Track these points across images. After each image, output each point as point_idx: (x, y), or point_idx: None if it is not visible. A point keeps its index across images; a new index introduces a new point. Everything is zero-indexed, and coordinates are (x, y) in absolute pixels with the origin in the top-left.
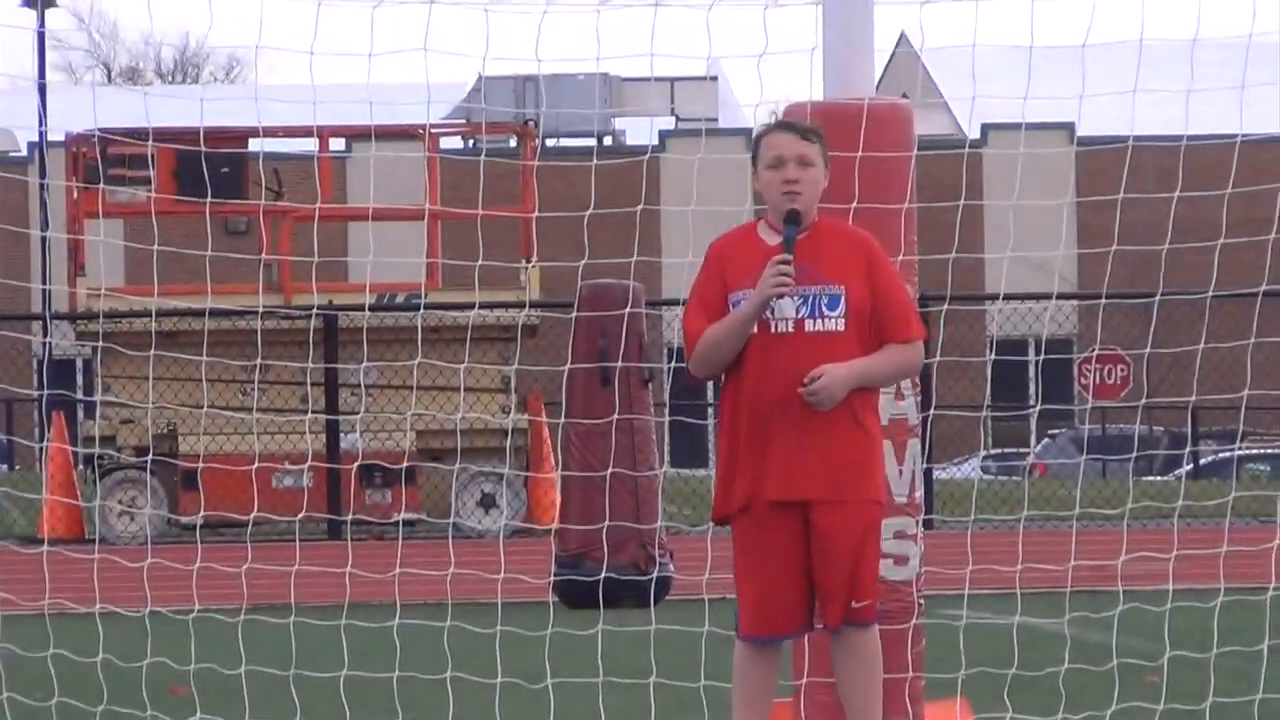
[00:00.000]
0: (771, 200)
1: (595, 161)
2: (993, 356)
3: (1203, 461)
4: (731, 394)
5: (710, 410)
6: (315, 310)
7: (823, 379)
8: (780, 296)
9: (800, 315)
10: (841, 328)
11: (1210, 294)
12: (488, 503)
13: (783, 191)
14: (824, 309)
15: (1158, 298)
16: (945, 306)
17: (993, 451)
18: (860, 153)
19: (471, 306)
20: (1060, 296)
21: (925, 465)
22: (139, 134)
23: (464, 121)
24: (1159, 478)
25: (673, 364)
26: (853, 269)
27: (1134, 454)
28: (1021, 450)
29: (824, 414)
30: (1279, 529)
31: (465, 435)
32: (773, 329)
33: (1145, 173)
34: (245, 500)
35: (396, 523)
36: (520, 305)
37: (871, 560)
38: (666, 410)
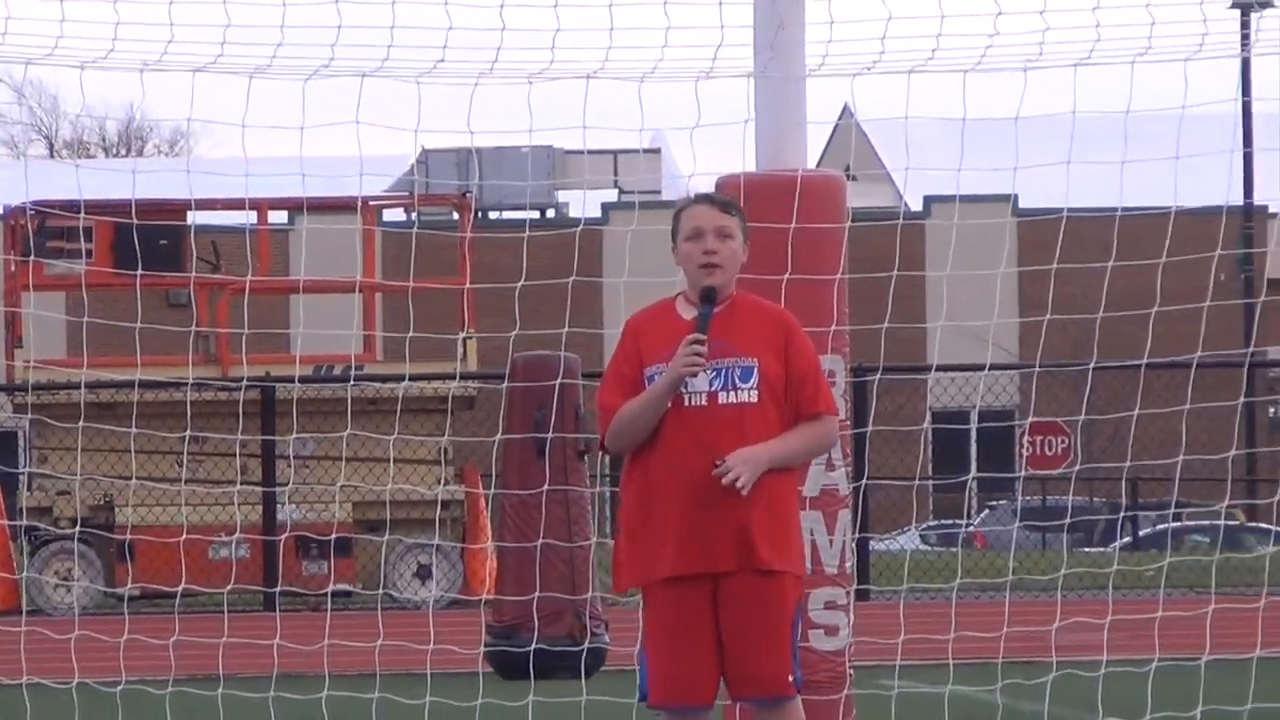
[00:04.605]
0: (690, 273)
1: (528, 233)
2: (929, 425)
3: (1142, 533)
4: (642, 466)
5: None
6: (245, 383)
7: (733, 464)
8: (692, 376)
9: (714, 388)
10: (754, 399)
11: (1145, 362)
12: (424, 574)
13: (701, 264)
14: (737, 381)
15: (1091, 366)
16: (878, 376)
17: (931, 523)
18: (793, 224)
19: (410, 378)
20: (994, 367)
21: (860, 535)
22: (76, 206)
23: (402, 194)
24: (1098, 549)
25: None
26: (767, 342)
27: (1066, 521)
28: (960, 521)
29: (734, 490)
30: (1213, 597)
31: (401, 507)
32: (687, 402)
33: (1087, 244)
34: (181, 571)
35: (329, 593)
36: (451, 377)
37: (791, 632)
38: (600, 481)
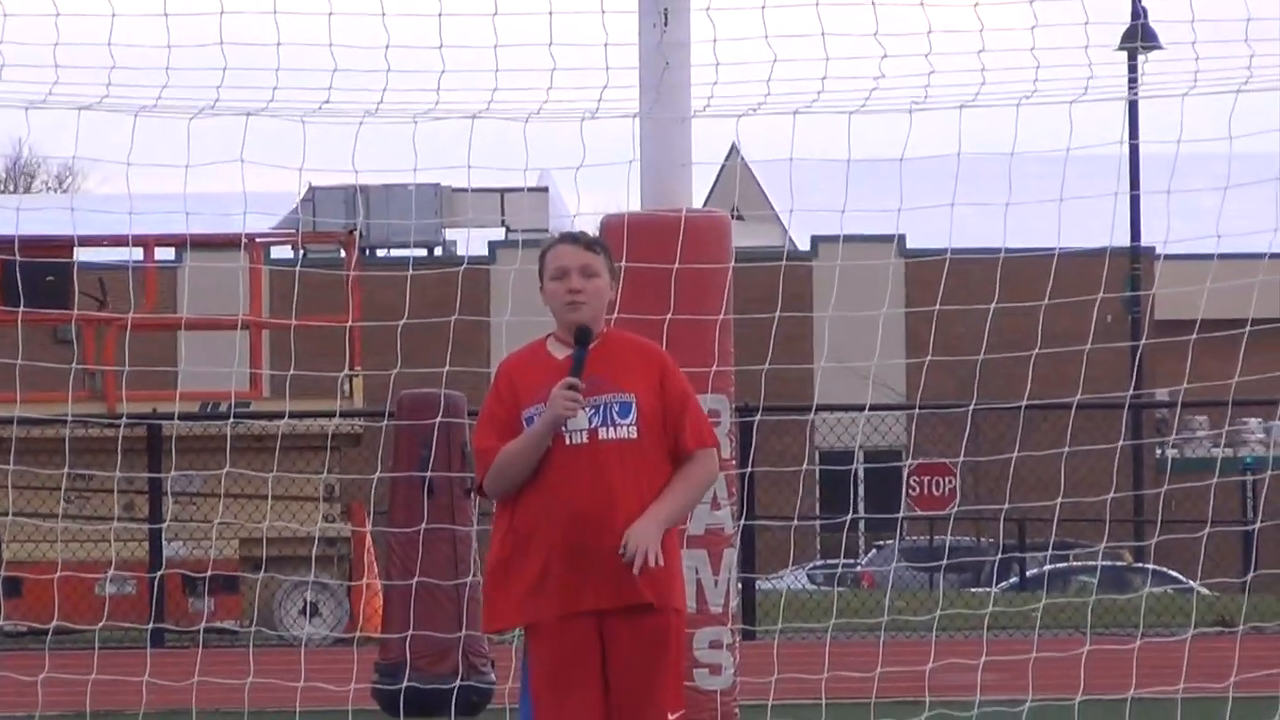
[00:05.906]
0: (557, 312)
1: (411, 271)
2: (810, 466)
3: (1030, 573)
4: (518, 504)
5: None
6: (126, 419)
7: (634, 546)
8: (569, 418)
9: (593, 425)
10: (634, 435)
11: (1023, 404)
12: (310, 611)
13: (566, 301)
14: (616, 417)
15: (971, 408)
16: (758, 417)
17: (819, 563)
18: (677, 264)
19: (291, 416)
20: (875, 408)
21: (746, 575)
22: None
23: (289, 231)
24: (985, 589)
25: None
26: (642, 377)
27: (943, 562)
28: (847, 561)
29: (620, 525)
30: (1088, 638)
31: (288, 544)
32: (568, 440)
33: (974, 285)
34: (68, 607)
35: (218, 630)
36: (332, 414)
37: (676, 669)
38: (486, 519)
